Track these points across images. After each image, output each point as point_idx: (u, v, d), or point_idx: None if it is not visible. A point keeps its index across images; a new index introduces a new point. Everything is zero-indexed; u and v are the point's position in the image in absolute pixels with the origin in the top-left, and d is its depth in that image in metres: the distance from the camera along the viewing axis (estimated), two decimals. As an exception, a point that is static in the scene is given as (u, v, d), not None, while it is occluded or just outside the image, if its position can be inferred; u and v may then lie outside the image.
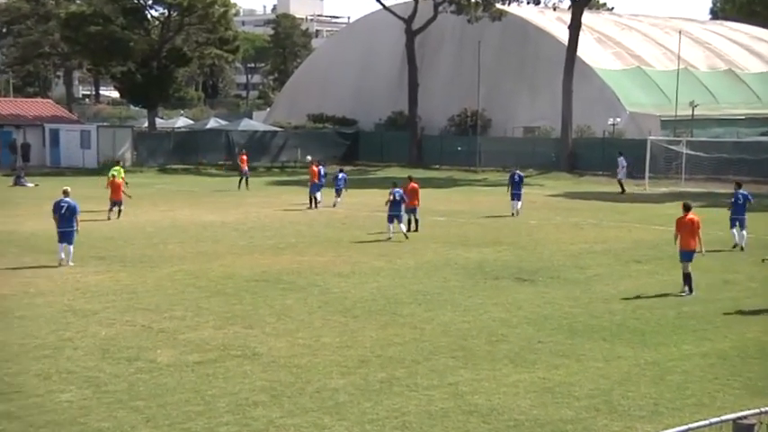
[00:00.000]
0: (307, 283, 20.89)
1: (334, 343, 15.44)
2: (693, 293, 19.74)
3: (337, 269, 22.73)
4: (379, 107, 71.35)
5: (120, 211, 33.25)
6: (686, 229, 19.98)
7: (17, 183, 47.83)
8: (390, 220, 28.63)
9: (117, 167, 37.54)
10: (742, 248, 26.72)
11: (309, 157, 48.46)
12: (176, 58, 67.71)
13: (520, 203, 36.36)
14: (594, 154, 57.05)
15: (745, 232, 27.24)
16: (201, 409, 12.07)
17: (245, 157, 48.01)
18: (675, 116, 59.45)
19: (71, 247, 23.07)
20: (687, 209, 20.28)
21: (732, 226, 27.37)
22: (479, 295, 19.64)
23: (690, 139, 53.64)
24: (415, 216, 30.30)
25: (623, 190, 46.99)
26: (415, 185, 30.95)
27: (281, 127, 71.56)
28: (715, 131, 59.94)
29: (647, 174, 50.34)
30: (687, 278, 19.97)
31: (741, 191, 27.84)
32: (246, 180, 46.96)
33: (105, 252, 24.99)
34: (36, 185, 47.38)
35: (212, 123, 74.22)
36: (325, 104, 74.90)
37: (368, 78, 74.80)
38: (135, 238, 27.83)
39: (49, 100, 78.70)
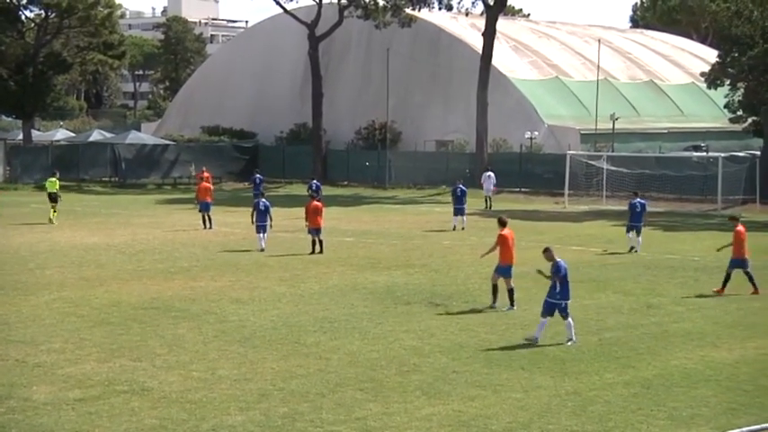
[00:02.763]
0: (201, 310, 20.66)
1: (231, 375, 15.30)
2: (515, 307, 20.97)
3: (235, 295, 22.55)
4: (281, 119, 71.23)
5: None
6: (506, 244, 21.35)
7: None
8: (258, 231, 31.21)
9: (53, 179, 41.22)
10: (637, 251, 30.90)
11: (192, 170, 48.30)
12: (55, 64, 66.50)
13: (465, 218, 38.72)
14: (512, 169, 58.00)
15: (640, 238, 31.50)
16: (83, 453, 11.82)
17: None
18: (596, 129, 60.90)
19: None
20: (503, 224, 21.81)
21: (628, 231, 31.84)
22: (389, 322, 19.71)
23: (611, 153, 55.00)
24: (318, 237, 30.33)
25: (489, 206, 48.95)
26: (318, 204, 31.02)
27: (172, 140, 70.80)
28: (637, 146, 61.68)
29: (566, 191, 51.40)
30: (510, 293, 21.31)
31: (638, 199, 32.19)
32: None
33: (-26, 279, 24.31)
34: None
35: (96, 136, 73.03)
36: (221, 116, 74.43)
37: (268, 88, 74.62)
38: (7, 263, 27.15)
39: None
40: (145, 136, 72.49)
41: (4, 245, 31.38)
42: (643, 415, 13.68)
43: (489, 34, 60.03)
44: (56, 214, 39.53)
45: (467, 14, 66.65)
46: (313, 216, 30.35)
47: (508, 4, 69.06)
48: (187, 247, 31.38)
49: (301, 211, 35.11)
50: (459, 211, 38.46)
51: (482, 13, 63.98)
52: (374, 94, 67.14)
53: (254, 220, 31.59)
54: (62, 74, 71.57)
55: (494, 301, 21.32)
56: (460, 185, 39.02)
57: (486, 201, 49.73)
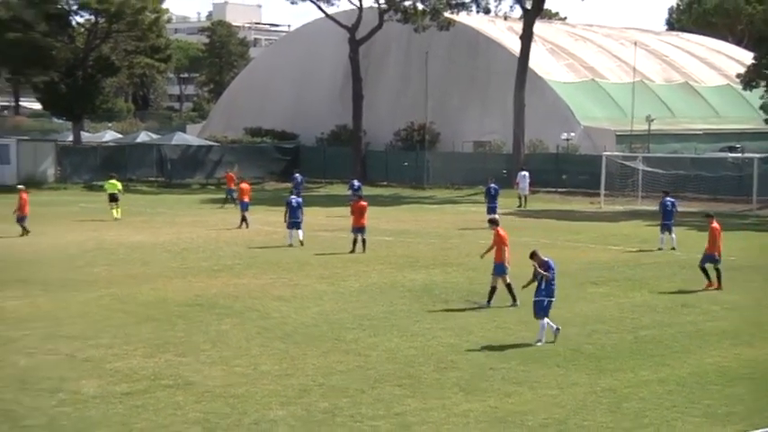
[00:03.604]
0: (244, 307, 20.76)
1: (273, 371, 15.36)
2: (518, 304, 20.62)
3: (277, 292, 22.63)
4: (322, 121, 71.37)
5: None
6: (504, 243, 21.31)
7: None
8: (290, 227, 31.61)
9: (112, 181, 42.36)
10: (674, 248, 30.73)
11: (235, 170, 49.27)
12: (103, 68, 67.06)
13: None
14: (547, 170, 57.70)
15: (674, 235, 31.59)
16: (130, 445, 11.93)
17: (232, 176, 47.83)
18: (631, 131, 60.43)
19: None
20: (495, 223, 22.01)
21: (662, 231, 31.66)
22: (427, 319, 19.69)
23: (646, 154, 54.51)
24: (362, 236, 30.36)
25: (524, 205, 49.53)
26: (364, 204, 31.06)
27: (216, 141, 71.20)
28: (672, 147, 61.06)
29: (602, 191, 51.02)
30: (509, 289, 21.07)
31: (668, 198, 32.26)
32: (233, 198, 46.41)
33: (26, 275, 24.60)
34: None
35: (143, 137, 73.58)
36: (263, 117, 74.73)
37: (309, 90, 74.83)
38: (58, 261, 27.44)
39: (-36, 112, 77.43)
40: (190, 137, 72.93)
41: (54, 243, 31.74)
42: (678, 412, 13.56)
43: (526, 37, 59.75)
44: (118, 210, 40.89)
45: (505, 18, 66.39)
46: (358, 216, 30.44)
47: (545, 7, 68.57)
48: (230, 246, 31.55)
49: (341, 211, 35.25)
50: (492, 210, 38.79)
51: (520, 17, 63.74)
52: (413, 96, 67.07)
53: (287, 217, 31.99)
54: (110, 77, 72.20)
55: (489, 300, 21.07)
56: (493, 185, 39.62)
57: (520, 199, 49.82)
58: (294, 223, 31.98)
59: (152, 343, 17.19)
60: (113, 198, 41.76)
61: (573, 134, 60.28)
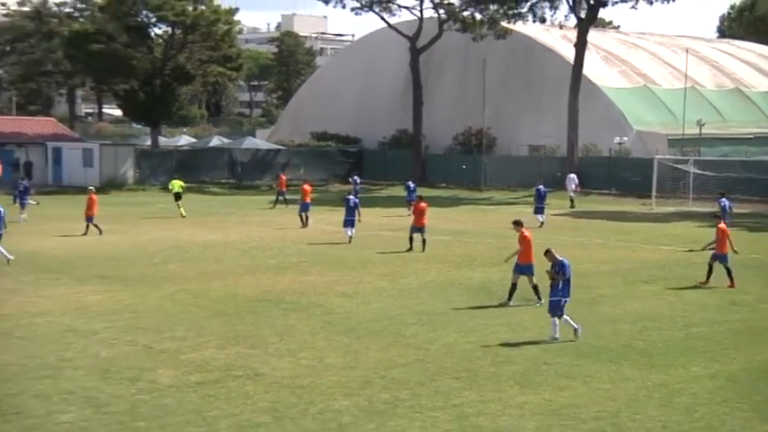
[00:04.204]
0: (309, 303, 20.87)
1: (337, 364, 15.41)
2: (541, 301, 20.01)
3: (340, 289, 22.71)
4: (383, 125, 71.50)
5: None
6: (529, 244, 21.01)
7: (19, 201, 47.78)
8: (345, 224, 32.30)
9: (174, 181, 44.49)
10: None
11: (301, 172, 49.87)
12: (179, 76, 67.94)
13: (545, 216, 38.92)
14: (600, 173, 57.10)
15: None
16: (203, 431, 12.04)
17: (284, 178, 48.49)
18: (683, 135, 59.52)
19: None
20: (519, 224, 21.65)
21: None
22: (484, 316, 19.60)
23: (697, 158, 53.65)
24: (422, 235, 30.32)
25: (573, 205, 49.52)
26: (424, 205, 31.03)
27: (284, 145, 71.70)
28: (723, 150, 59.96)
29: (653, 193, 50.33)
30: (534, 289, 20.74)
31: (724, 199, 33.38)
32: (285, 200, 47.11)
33: (107, 271, 25.00)
34: (37, 204, 47.43)
35: (215, 141, 74.41)
36: (328, 122, 75.09)
37: (372, 96, 75.00)
38: (136, 258, 27.84)
39: (51, 118, 78.98)
40: (259, 141, 73.55)
41: (133, 241, 32.22)
42: (728, 407, 13.32)
43: (581, 45, 59.23)
44: (183, 208, 42.18)
45: (560, 27, 65.86)
46: (419, 216, 30.42)
47: (599, 16, 67.90)
48: (296, 245, 31.73)
49: (401, 211, 35.23)
50: (539, 210, 38.91)
51: (574, 26, 63.21)
52: (470, 102, 66.84)
53: (344, 215, 32.74)
54: (186, 85, 73.04)
55: (509, 299, 20.71)
56: (541, 186, 39.61)
57: (570, 201, 49.63)
58: (348, 221, 32.59)
59: (223, 336, 17.35)
60: (178, 197, 43.20)
61: (625, 138, 59.58)
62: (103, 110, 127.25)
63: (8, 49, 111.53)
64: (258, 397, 13.47)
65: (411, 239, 30.26)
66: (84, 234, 33.29)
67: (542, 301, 20.09)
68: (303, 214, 37.66)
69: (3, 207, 26.86)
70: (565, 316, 17.37)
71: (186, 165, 64.17)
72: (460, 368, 15.22)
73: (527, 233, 21.25)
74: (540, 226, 37.78)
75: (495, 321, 18.96)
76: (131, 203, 48.65)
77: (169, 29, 67.17)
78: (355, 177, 50.86)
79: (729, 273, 23.60)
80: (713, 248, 24.20)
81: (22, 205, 39.75)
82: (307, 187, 38.91)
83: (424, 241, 30.30)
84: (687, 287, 23.54)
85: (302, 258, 28.27)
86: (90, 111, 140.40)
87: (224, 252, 29.55)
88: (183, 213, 41.88)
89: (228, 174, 65.22)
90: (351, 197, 33.80)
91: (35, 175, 59.43)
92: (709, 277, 23.63)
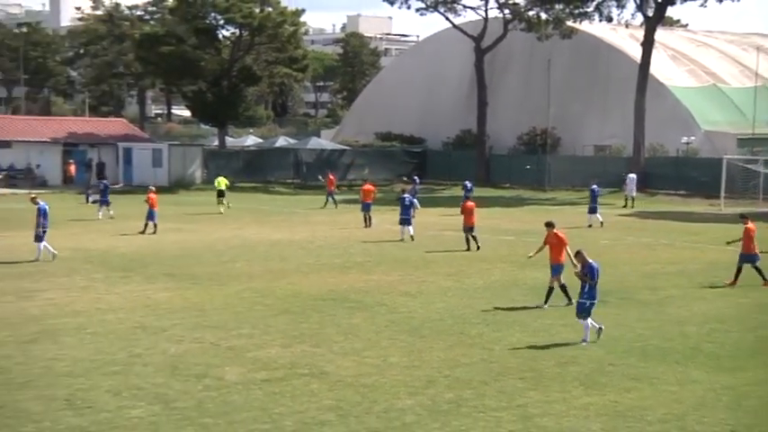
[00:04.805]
0: (374, 302, 20.91)
1: (401, 362, 15.41)
2: (572, 302, 19.39)
3: (405, 288, 22.71)
4: (447, 126, 71.36)
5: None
6: (559, 244, 20.64)
7: (92, 201, 48.76)
8: (401, 222, 32.56)
9: (220, 179, 45.81)
10: None
11: (366, 173, 50.01)
12: (246, 78, 68.65)
13: (599, 216, 38.70)
14: (667, 173, 56.22)
15: None
16: (269, 428, 12.14)
17: (332, 177, 48.90)
18: (753, 134, 58.29)
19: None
20: (551, 225, 21.14)
21: None
22: (549, 316, 19.44)
23: (768, 158, 52.56)
24: (471, 234, 30.26)
25: (626, 205, 49.36)
26: (471, 204, 31.03)
27: (348, 145, 72.02)
28: (794, 150, 58.63)
29: (722, 193, 49.39)
30: (563, 290, 20.28)
31: None
32: (333, 200, 47.47)
33: (175, 270, 25.36)
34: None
35: (281, 142, 75.07)
36: (392, 123, 75.18)
37: (436, 97, 74.91)
38: (204, 256, 28.19)
39: (122, 119, 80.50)
40: (324, 142, 73.99)
41: (201, 240, 32.63)
42: (799, 412, 13.01)
43: (648, 44, 58.41)
44: (222, 206, 43.75)
45: (626, 26, 65.03)
46: (468, 215, 30.37)
47: (666, 15, 66.82)
48: (361, 244, 31.82)
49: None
50: (593, 210, 38.68)
51: (641, 24, 62.31)
52: (535, 102, 66.35)
53: (399, 213, 33.05)
54: (252, 86, 73.79)
55: (569, 300, 20.19)
56: (595, 186, 39.42)
57: (626, 201, 49.25)
58: (404, 220, 32.79)
59: (289, 334, 17.47)
60: (221, 194, 44.60)
61: (693, 138, 58.59)
62: (172, 111, 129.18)
63: (82, 52, 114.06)
64: (323, 395, 13.54)
65: (467, 240, 30.21)
66: (142, 233, 33.79)
67: (573, 301, 19.68)
68: (365, 214, 37.74)
69: (46, 204, 27.39)
70: (589, 318, 17.04)
71: (252, 165, 64.90)
72: (525, 368, 15.12)
73: (561, 234, 20.95)
74: (598, 225, 37.77)
75: (559, 322, 18.79)
76: (199, 203, 49.26)
77: (237, 31, 67.92)
78: (415, 177, 51.00)
79: (759, 272, 23.46)
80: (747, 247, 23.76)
81: (103, 203, 40.70)
82: (368, 187, 38.92)
83: (474, 239, 30.22)
84: (756, 289, 23.04)
85: (366, 258, 28.34)
86: (159, 112, 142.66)
87: (289, 251, 29.76)
88: (222, 211, 43.04)
89: (294, 174, 65.71)
90: (406, 196, 33.95)
91: (106, 176, 60.60)
92: (736, 278, 23.44)
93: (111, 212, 40.07)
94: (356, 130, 79.09)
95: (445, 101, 73.75)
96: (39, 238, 26.62)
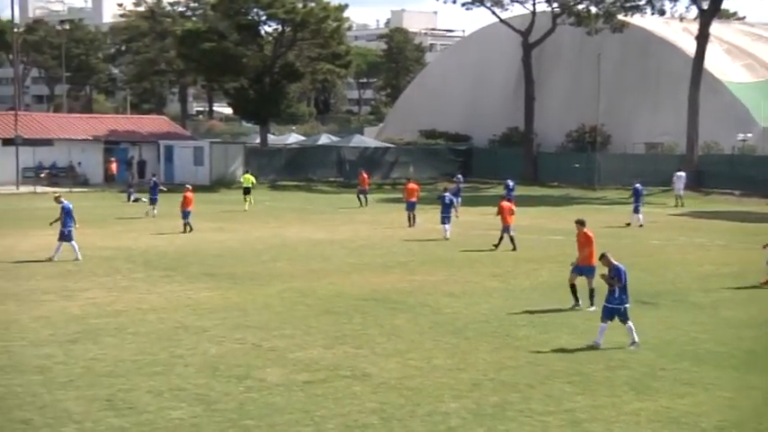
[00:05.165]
0: (417, 302, 20.89)
1: (445, 365, 15.38)
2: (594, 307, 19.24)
3: (449, 289, 22.67)
4: (494, 123, 71.08)
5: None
6: (591, 244, 20.40)
7: (134, 199, 49.31)
8: (442, 221, 32.94)
9: (247, 175, 47.38)
10: None
11: (411, 171, 49.96)
12: (289, 74, 68.90)
13: (637, 216, 38.35)
14: (722, 171, 55.48)
15: None
16: (311, 431, 12.19)
17: (365, 176, 48.94)
18: (813, 131, 57.37)
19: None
20: (582, 224, 20.86)
21: None
22: (597, 318, 19.20)
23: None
24: (508, 234, 30.25)
25: (680, 204, 48.89)
26: (508, 204, 31.06)
27: (392, 143, 72.02)
28: None
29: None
30: (573, 290, 20.10)
31: None
32: (365, 199, 47.57)
33: (216, 269, 25.55)
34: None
35: (324, 139, 75.30)
36: (437, 120, 75.05)
37: (482, 93, 74.65)
38: (245, 256, 28.37)
39: (164, 116, 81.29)
40: (367, 139, 74.11)
41: (242, 239, 32.84)
42: None
43: (702, 38, 57.69)
44: (247, 203, 44.94)
45: (681, 19, 64.29)
46: (505, 214, 30.42)
47: (722, 7, 65.94)
48: (404, 243, 31.82)
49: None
50: (636, 210, 38.44)
51: (695, 17, 61.56)
52: (584, 98, 65.84)
53: (441, 212, 33.39)
54: (295, 82, 74.08)
55: (575, 302, 20.09)
56: (638, 185, 39.08)
57: (676, 200, 48.76)
58: (445, 218, 33.18)
59: (331, 335, 17.52)
60: (247, 191, 45.56)
61: (749, 135, 57.75)
62: (214, 108, 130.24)
63: (123, 49, 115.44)
64: (365, 397, 13.55)
65: (512, 240, 30.18)
66: (183, 232, 34.08)
67: (594, 307, 19.44)
68: (409, 213, 37.73)
69: (70, 203, 27.69)
70: (629, 323, 16.75)
71: (295, 163, 65.17)
72: (573, 372, 15.01)
73: (590, 233, 20.74)
74: (637, 226, 37.55)
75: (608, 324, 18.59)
76: (240, 202, 49.53)
77: (279, 26, 68.22)
78: (458, 176, 50.84)
79: None
80: None
81: (152, 201, 41.23)
82: (412, 186, 38.84)
83: (511, 239, 30.15)
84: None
85: (410, 257, 28.33)
86: (201, 109, 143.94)
87: (331, 250, 29.85)
88: (247, 208, 43.88)
89: (337, 172, 65.89)
90: (446, 194, 34.18)
91: (147, 174, 61.27)
92: None
93: (156, 211, 40.51)
94: (400, 128, 79.09)
95: (491, 97, 73.47)
96: (64, 237, 26.81)
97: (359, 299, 21.24)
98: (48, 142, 60.69)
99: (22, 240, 31.35)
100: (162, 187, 43.13)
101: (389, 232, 35.42)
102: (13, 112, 62.17)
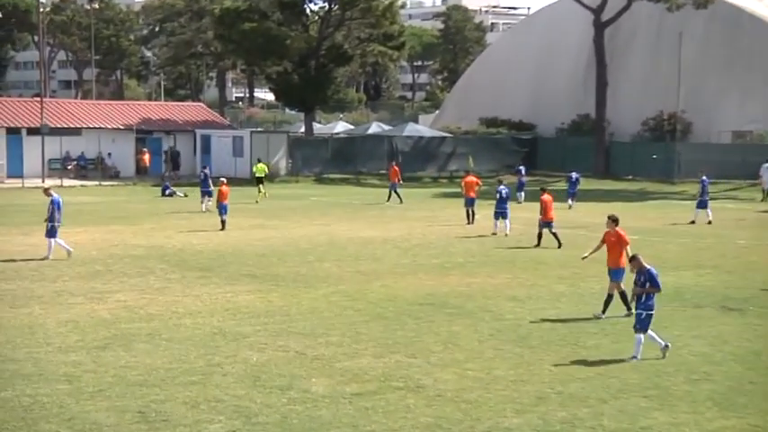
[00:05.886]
0: (477, 307, 20.87)
1: (507, 376, 15.35)
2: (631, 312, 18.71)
3: (511, 292, 22.61)
4: (562, 110, 70.69)
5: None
6: (613, 245, 20.09)
7: (168, 193, 49.92)
8: (496, 216, 33.75)
9: (260, 165, 48.77)
10: None
11: (470, 163, 49.82)
12: (336, 57, 69.08)
13: (709, 211, 38.56)
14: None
15: None
16: (359, 446, 12.24)
17: (397, 168, 48.74)
18: None
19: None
20: (614, 221, 20.46)
21: None
22: (677, 326, 19.10)
23: None
24: (551, 230, 30.28)
25: (764, 198, 48.81)
26: (547, 197, 31.09)
27: (449, 132, 71.96)
28: None
29: None
30: (622, 297, 19.72)
31: None
32: (397, 194, 47.32)
33: (257, 270, 25.75)
34: (185, 196, 49.40)
35: (374, 128, 75.47)
36: (499, 107, 74.84)
37: (549, 77, 74.26)
38: (288, 255, 28.54)
39: (200, 103, 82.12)
40: (422, 128, 74.13)
41: (286, 237, 33.04)
42: None
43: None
44: (260, 195, 45.93)
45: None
46: (545, 209, 30.55)
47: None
48: (462, 242, 31.79)
49: (578, 206, 34.52)
50: (702, 204, 38.23)
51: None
52: (663, 82, 65.21)
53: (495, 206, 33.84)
54: (343, 66, 74.30)
55: (628, 309, 19.52)
56: (705, 177, 38.91)
57: (764, 194, 48.13)
58: (499, 213, 33.67)
59: (382, 342, 17.57)
60: (260, 181, 46.89)
61: None
62: (255, 94, 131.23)
63: (157, 29, 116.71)
64: (420, 411, 13.57)
65: (555, 235, 30.41)
66: (221, 229, 34.32)
67: (632, 311, 18.96)
68: (468, 209, 37.72)
69: (60, 196, 27.99)
70: (642, 335, 16.51)
71: (342, 154, 65.36)
72: (649, 385, 14.89)
73: (623, 232, 20.45)
74: (705, 222, 37.54)
75: (689, 333, 18.45)
76: (283, 196, 49.89)
77: (325, 5, 68.51)
78: (520, 168, 50.50)
79: None
80: None
81: (204, 194, 41.78)
82: (470, 179, 38.73)
83: (555, 236, 30.18)
84: None
85: (469, 258, 28.30)
86: (240, 95, 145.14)
87: (383, 250, 29.92)
88: (258, 200, 44.77)
89: (388, 164, 65.89)
90: (502, 187, 34.42)
91: (183, 165, 61.97)
92: None
93: (205, 206, 41.03)
94: (458, 115, 78.99)
95: (559, 82, 73.05)
96: (51, 234, 27.13)
97: (413, 303, 21.27)
98: (75, 131, 61.65)
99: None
100: (179, 193, 43.66)
101: (446, 230, 35.41)
102: (38, 99, 63.22)
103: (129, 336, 17.89)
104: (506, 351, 17.03)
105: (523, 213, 38.17)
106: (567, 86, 72.19)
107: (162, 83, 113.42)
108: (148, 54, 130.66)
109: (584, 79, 69.82)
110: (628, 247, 20.01)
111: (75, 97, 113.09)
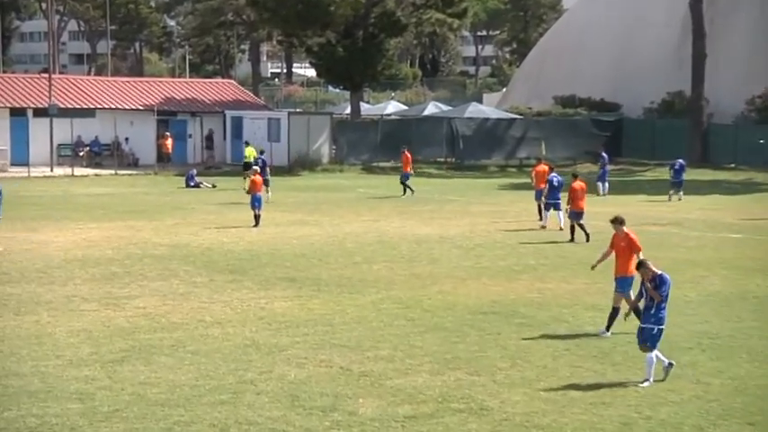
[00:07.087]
0: (550, 317, 20.80)
1: (586, 398, 15.30)
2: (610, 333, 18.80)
3: (591, 300, 22.51)
4: (650, 87, 70.14)
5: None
6: (622, 250, 19.80)
7: (193, 184, 50.24)
8: (547, 208, 34.29)
9: (251, 148, 49.47)
10: None
11: (543, 149, 49.55)
12: (387, 26, 68.89)
13: None
14: None
15: None
16: (413, 478, 12.26)
17: (409, 156, 48.33)
18: None
19: None
20: (621, 222, 20.12)
21: None
22: (788, 342, 18.92)
23: None
24: (578, 222, 30.76)
25: None
26: (579, 185, 31.34)
27: (519, 113, 71.73)
28: None
29: None
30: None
31: None
32: (409, 186, 47.04)
33: (296, 272, 25.86)
34: (214, 187, 49.74)
35: (431, 109, 75.36)
36: (577, 84, 74.48)
37: (635, 49, 73.75)
38: (332, 256, 28.63)
39: (231, 80, 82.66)
40: (487, 109, 73.92)
41: (329, 235, 33.14)
42: None
43: None
44: (248, 182, 44.71)
45: None
46: (575, 198, 30.94)
47: None
48: (533, 242, 31.68)
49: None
50: None
51: None
52: (771, 54, 64.52)
53: (546, 196, 34.21)
54: (395, 37, 74.11)
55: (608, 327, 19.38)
56: None
57: None
58: (551, 204, 34.22)
59: (439, 357, 17.56)
60: (247, 167, 45.17)
61: None
62: (293, 70, 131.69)
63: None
64: (483, 437, 13.57)
65: (582, 227, 30.93)
66: (255, 225, 34.47)
67: (609, 333, 19.06)
68: (540, 203, 37.53)
69: (1, 185, 28.09)
70: (653, 354, 16.21)
71: (394, 139, 65.00)
72: (754, 410, 14.77)
73: (633, 235, 20.05)
74: None
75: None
76: (326, 188, 50.05)
77: (375, -35, 68.46)
78: (603, 154, 49.94)
79: None
80: None
81: (265, 183, 41.78)
82: (542, 168, 38.45)
83: (582, 228, 30.72)
84: None
85: (541, 260, 28.21)
86: (277, 71, 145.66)
87: (441, 250, 29.91)
88: (246, 187, 42.81)
89: (447, 151, 65.87)
90: (555, 176, 34.64)
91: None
92: None
93: (269, 195, 41.29)
94: (528, 94, 78.76)
95: (647, 54, 72.50)
96: None
97: (475, 312, 21.25)
98: (88, 113, 62.12)
99: (57, 235, 32.24)
100: (206, 184, 43.55)
101: (515, 227, 35.31)
102: (46, 75, 63.79)
103: (149, 348, 18.05)
104: (585, 368, 16.96)
105: (606, 208, 37.93)
106: (656, 60, 71.62)
107: (187, 57, 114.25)
108: (171, 24, 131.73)
109: (676, 52, 69.24)
110: (639, 254, 19.49)
111: (89, 73, 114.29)
